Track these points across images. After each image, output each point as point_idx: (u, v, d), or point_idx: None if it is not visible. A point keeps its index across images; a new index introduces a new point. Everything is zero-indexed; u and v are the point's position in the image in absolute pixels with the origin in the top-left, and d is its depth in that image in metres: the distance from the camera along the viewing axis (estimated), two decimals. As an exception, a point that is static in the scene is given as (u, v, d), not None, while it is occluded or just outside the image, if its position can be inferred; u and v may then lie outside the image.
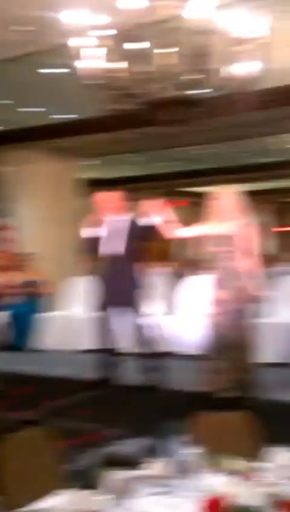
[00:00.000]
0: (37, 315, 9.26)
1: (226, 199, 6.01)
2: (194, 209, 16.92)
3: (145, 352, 6.75)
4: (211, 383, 6.02)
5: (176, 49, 3.84)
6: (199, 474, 2.10)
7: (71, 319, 8.94)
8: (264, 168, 14.37)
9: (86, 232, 6.88)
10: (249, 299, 5.95)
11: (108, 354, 6.92)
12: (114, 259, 6.63)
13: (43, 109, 10.09)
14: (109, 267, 6.66)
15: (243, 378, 6.03)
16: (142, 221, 6.52)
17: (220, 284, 6.05)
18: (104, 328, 6.90)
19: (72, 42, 4.52)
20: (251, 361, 6.04)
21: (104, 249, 6.64)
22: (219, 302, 6.07)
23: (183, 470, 1.99)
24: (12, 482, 2.21)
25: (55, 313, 9.28)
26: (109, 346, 6.92)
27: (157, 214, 6.35)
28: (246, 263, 5.93)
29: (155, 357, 6.77)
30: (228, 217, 5.99)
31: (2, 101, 9.40)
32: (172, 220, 6.30)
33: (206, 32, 3.69)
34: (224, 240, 6.00)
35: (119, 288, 6.64)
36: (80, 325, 8.75)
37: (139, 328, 6.74)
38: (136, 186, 15.38)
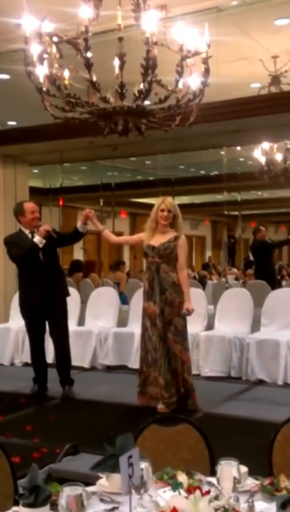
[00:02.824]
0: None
1: (159, 210, 6.00)
2: (133, 220, 17.03)
3: (62, 364, 6.73)
4: (149, 396, 5.97)
5: (122, 59, 3.84)
6: (147, 489, 2.06)
7: (11, 331, 8.77)
8: (210, 180, 14.55)
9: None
10: (177, 312, 5.93)
11: (40, 367, 6.85)
12: (39, 270, 6.53)
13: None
14: (35, 278, 6.56)
15: (179, 391, 5.98)
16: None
17: (148, 295, 6.04)
18: (34, 340, 6.82)
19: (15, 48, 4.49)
20: (186, 374, 5.99)
21: (30, 260, 6.54)
22: (146, 313, 6.05)
23: (131, 486, 1.95)
24: None
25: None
26: (40, 359, 6.84)
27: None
28: (173, 276, 5.93)
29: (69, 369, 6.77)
30: (160, 229, 6.02)
31: None
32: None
33: (153, 43, 3.70)
34: (152, 251, 6.01)
35: (45, 300, 6.56)
36: (18, 338, 8.63)
37: (60, 340, 6.69)
38: (75, 196, 15.32)
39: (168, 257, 5.97)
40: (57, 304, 6.62)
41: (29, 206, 6.61)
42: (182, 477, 2.25)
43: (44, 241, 6.44)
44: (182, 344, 5.99)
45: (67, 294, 6.86)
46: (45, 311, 6.62)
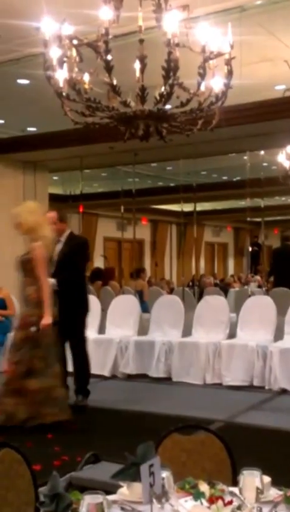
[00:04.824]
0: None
1: (18, 217, 5.73)
2: (154, 227, 16.96)
3: (78, 373, 6.63)
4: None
5: (143, 62, 3.79)
6: (168, 499, 2.03)
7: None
8: (233, 186, 14.46)
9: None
10: (19, 324, 5.76)
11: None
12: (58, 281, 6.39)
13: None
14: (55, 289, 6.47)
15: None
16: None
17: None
18: None
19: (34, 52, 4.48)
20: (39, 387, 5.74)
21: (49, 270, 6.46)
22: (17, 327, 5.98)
23: (153, 495, 1.91)
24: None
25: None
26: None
27: None
28: (27, 289, 5.72)
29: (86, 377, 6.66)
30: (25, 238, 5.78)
31: None
32: None
33: (174, 45, 3.65)
34: (17, 264, 5.83)
35: (58, 311, 6.35)
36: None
37: (75, 351, 6.62)
38: (96, 203, 15.32)
39: (25, 269, 5.73)
40: (72, 316, 6.48)
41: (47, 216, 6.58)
42: (204, 487, 2.21)
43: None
44: (13, 355, 5.83)
45: (86, 310, 6.69)
46: (61, 321, 6.52)
